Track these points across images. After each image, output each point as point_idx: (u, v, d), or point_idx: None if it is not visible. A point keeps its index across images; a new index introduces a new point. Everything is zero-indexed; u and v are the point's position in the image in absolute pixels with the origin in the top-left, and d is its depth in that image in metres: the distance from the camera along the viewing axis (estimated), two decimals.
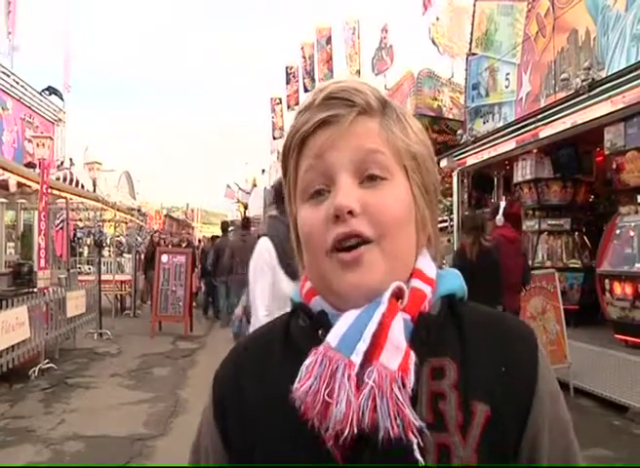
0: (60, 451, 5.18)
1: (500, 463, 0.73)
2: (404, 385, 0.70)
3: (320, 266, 0.79)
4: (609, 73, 7.31)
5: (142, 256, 15.34)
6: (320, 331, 0.79)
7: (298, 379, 0.72)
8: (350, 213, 0.76)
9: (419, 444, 0.69)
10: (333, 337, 0.74)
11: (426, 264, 0.84)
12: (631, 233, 6.87)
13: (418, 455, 0.69)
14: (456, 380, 0.75)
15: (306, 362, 0.73)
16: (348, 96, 0.79)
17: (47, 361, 8.16)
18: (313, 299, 0.84)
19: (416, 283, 0.80)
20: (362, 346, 0.71)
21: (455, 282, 0.85)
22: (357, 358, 0.71)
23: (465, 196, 11.54)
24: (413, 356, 0.72)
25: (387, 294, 0.75)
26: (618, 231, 7.15)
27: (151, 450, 5.24)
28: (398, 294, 0.77)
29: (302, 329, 0.84)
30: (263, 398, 0.81)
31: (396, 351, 0.72)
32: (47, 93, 16.95)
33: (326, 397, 0.69)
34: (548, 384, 0.79)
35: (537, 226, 9.32)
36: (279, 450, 0.77)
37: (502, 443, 0.74)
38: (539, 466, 0.77)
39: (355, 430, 0.69)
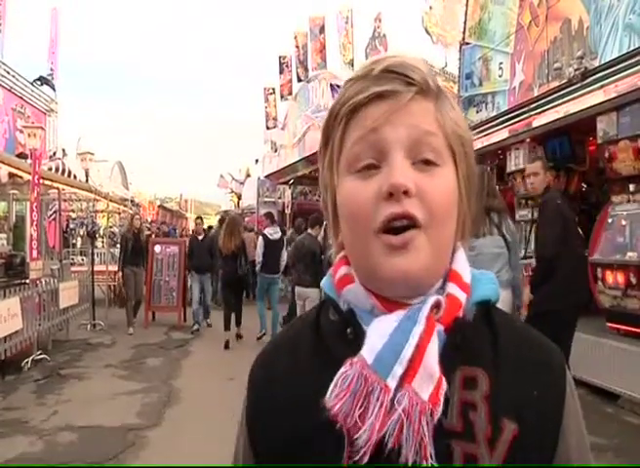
0: (54, 442, 5.19)
1: None
2: (432, 416, 0.69)
3: (366, 246, 0.76)
4: (601, 62, 7.30)
5: (121, 248, 11.56)
6: (349, 330, 0.78)
7: (331, 391, 0.71)
8: (405, 193, 0.73)
9: None
10: (368, 353, 0.72)
11: (463, 265, 0.82)
12: (623, 222, 6.89)
13: None
14: (487, 393, 0.74)
15: (342, 371, 0.72)
16: (408, 72, 0.76)
17: (40, 352, 8.15)
18: (346, 288, 0.82)
19: (452, 289, 0.79)
20: (399, 370, 0.70)
21: (490, 287, 0.84)
22: (393, 382, 0.70)
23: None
24: (444, 386, 0.71)
25: (426, 312, 0.74)
26: (610, 220, 7.16)
27: (145, 441, 5.25)
28: (435, 306, 0.76)
29: (332, 323, 0.83)
30: (293, 401, 0.80)
31: (429, 378, 0.70)
32: (38, 83, 16.83)
33: (358, 421, 0.69)
34: (575, 407, 0.80)
35: (529, 216, 9.32)
36: (298, 452, 0.77)
37: (526, 462, 0.73)
38: (542, 466, 0.77)
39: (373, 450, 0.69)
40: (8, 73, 14.45)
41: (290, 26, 21.40)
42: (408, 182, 0.73)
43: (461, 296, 0.78)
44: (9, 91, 14.68)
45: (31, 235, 9.05)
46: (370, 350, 0.72)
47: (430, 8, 13.98)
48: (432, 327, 0.73)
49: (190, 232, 18.71)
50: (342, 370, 0.72)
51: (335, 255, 0.88)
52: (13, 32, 14.76)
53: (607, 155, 7.19)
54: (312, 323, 0.86)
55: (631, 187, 6.91)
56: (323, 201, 0.87)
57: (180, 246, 12.27)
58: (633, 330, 6.51)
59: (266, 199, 21.93)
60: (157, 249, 11.98)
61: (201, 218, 13.42)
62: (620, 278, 6.66)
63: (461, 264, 0.82)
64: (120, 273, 11.95)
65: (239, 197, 33.15)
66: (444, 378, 0.71)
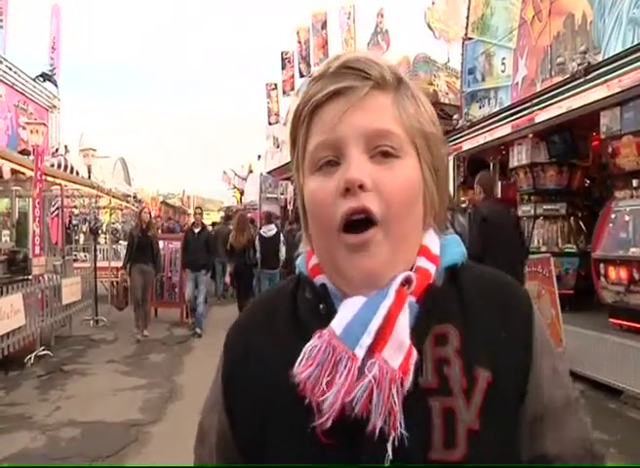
0: (56, 438, 5.20)
1: (501, 425, 0.75)
2: (402, 385, 0.70)
3: (328, 245, 0.79)
4: (605, 57, 7.27)
5: (128, 245, 10.77)
6: (321, 306, 0.80)
7: (299, 361, 0.73)
8: (361, 187, 0.74)
9: (393, 443, 0.70)
10: (337, 325, 0.74)
11: (431, 239, 0.84)
12: (626, 218, 6.87)
13: (389, 452, 0.70)
14: (459, 346, 0.76)
15: (309, 344, 0.74)
16: (364, 67, 0.78)
17: (42, 348, 8.17)
18: (318, 276, 0.84)
19: (421, 262, 0.80)
20: (367, 340, 0.72)
21: (456, 250, 0.85)
22: (361, 351, 0.72)
23: (461, 181, 11.53)
24: (414, 355, 0.72)
25: (395, 286, 0.75)
26: (613, 216, 7.15)
27: (147, 436, 5.26)
28: (406, 282, 0.77)
29: (308, 301, 0.84)
30: (268, 370, 0.81)
31: (399, 348, 0.72)
32: (41, 79, 16.81)
33: (324, 387, 0.71)
34: (543, 344, 0.81)
35: (532, 211, 9.31)
36: (274, 424, 0.79)
37: (503, 406, 0.75)
38: (540, 466, 0.79)
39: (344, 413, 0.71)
40: (10, 69, 14.42)
41: (292, 22, 21.36)
42: (363, 177, 0.74)
43: (431, 268, 0.80)
44: (11, 87, 14.65)
45: (34, 231, 9.06)
46: (339, 322, 0.74)
47: (433, 3, 13.94)
48: (403, 299, 0.75)
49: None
50: (311, 341, 0.74)
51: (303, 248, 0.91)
52: (14, 29, 14.68)
53: (610, 150, 7.18)
54: (288, 298, 0.88)
55: (634, 183, 6.89)
56: (299, 199, 0.88)
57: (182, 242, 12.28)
58: (636, 325, 6.50)
59: (269, 195, 21.93)
60: (160, 245, 11.98)
61: (201, 209, 12.31)
62: (623, 274, 6.65)
63: (430, 238, 0.84)
64: (122, 272, 10.81)
65: (241, 193, 33.19)
66: (414, 348, 0.72)
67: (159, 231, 15.63)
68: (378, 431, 0.69)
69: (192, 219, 13.67)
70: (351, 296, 0.77)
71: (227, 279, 11.53)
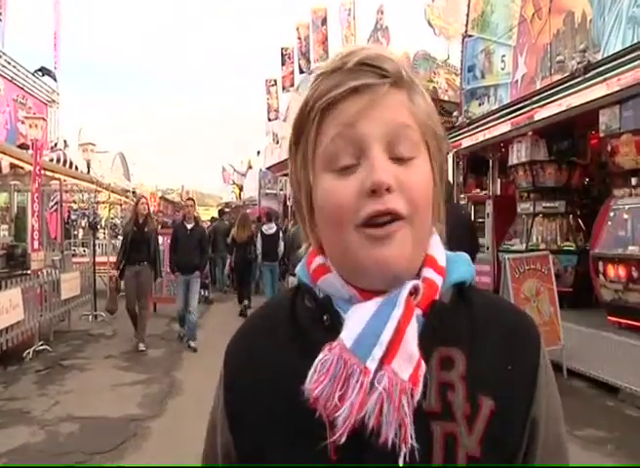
0: (55, 433, 5.21)
1: (503, 455, 0.74)
2: (412, 397, 0.70)
3: (344, 238, 0.76)
4: (604, 56, 7.28)
5: (122, 242, 9.37)
6: (325, 317, 0.78)
7: (310, 376, 0.71)
8: (388, 189, 0.73)
9: (405, 456, 0.69)
10: (347, 337, 0.73)
11: (438, 250, 0.83)
12: (625, 216, 6.89)
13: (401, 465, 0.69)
14: (464, 372, 0.75)
15: (320, 358, 0.72)
16: (381, 64, 0.76)
17: (41, 343, 8.18)
18: (323, 278, 0.82)
19: (428, 273, 0.79)
20: (378, 352, 0.71)
21: (465, 268, 0.85)
22: (373, 364, 0.70)
23: (461, 178, 11.53)
24: (424, 367, 0.71)
25: (404, 295, 0.74)
26: (612, 214, 7.16)
27: (146, 431, 5.27)
28: (414, 291, 0.76)
29: (308, 309, 0.83)
30: (271, 378, 0.80)
31: (409, 360, 0.71)
32: (40, 74, 16.78)
33: (337, 402, 0.69)
34: (547, 379, 0.81)
35: (531, 209, 9.33)
36: (278, 437, 0.77)
37: (505, 436, 0.74)
38: (539, 466, 0.78)
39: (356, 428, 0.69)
40: (9, 63, 14.41)
41: (292, 18, 21.33)
42: (390, 179, 0.73)
43: (438, 280, 0.79)
44: (10, 81, 14.65)
45: (33, 226, 9.05)
46: (349, 334, 0.73)
47: (433, 0, 13.93)
48: (411, 310, 0.74)
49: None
50: (321, 355, 0.72)
51: (305, 251, 0.89)
52: (14, 23, 14.68)
53: (609, 149, 7.19)
54: (288, 307, 0.86)
55: (633, 181, 6.91)
56: (295, 198, 0.87)
57: None
58: (634, 323, 6.52)
59: (268, 191, 21.94)
60: (159, 240, 11.97)
61: (193, 200, 10.39)
62: (622, 272, 6.66)
63: (436, 248, 0.83)
64: (113, 273, 9.44)
65: (241, 189, 33.17)
66: (423, 360, 0.72)
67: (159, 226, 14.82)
68: (390, 444, 0.69)
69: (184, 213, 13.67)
70: (360, 297, 0.77)
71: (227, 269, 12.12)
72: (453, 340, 0.77)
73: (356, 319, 0.74)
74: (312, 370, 0.71)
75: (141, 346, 8.50)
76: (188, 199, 10.55)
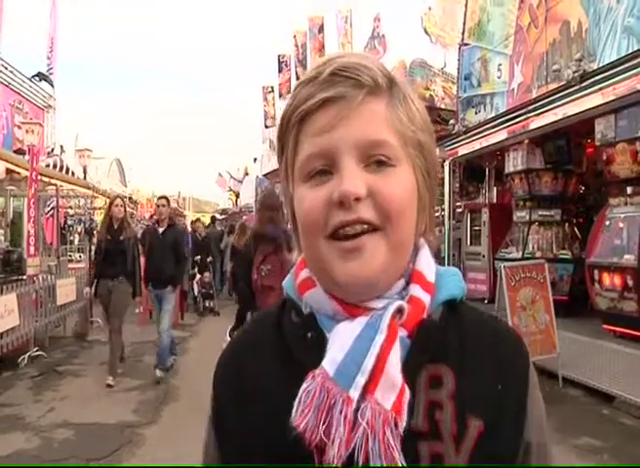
0: (50, 439, 5.18)
1: None
2: (396, 426, 0.69)
3: (318, 251, 0.76)
4: (600, 65, 7.32)
5: (94, 253, 8.27)
6: (309, 335, 0.78)
7: (295, 408, 0.70)
8: (357, 199, 0.72)
9: None
10: (329, 364, 0.71)
11: (426, 264, 0.82)
12: (620, 224, 6.92)
13: None
14: (453, 391, 0.74)
15: (303, 387, 0.71)
16: (356, 74, 0.74)
17: (36, 348, 8.14)
18: (308, 293, 0.81)
19: (415, 291, 0.78)
20: (361, 380, 0.70)
21: (455, 285, 0.83)
22: (355, 393, 0.69)
23: (457, 186, 11.56)
24: (407, 394, 0.71)
25: (387, 320, 0.73)
26: (607, 222, 7.19)
27: (141, 438, 5.25)
28: (398, 311, 0.75)
29: (294, 325, 0.82)
30: (254, 401, 0.80)
31: (392, 387, 0.70)
32: (37, 79, 16.77)
33: (323, 436, 0.69)
34: (536, 398, 0.80)
35: (527, 217, 9.36)
36: (262, 454, 0.77)
37: (494, 457, 0.74)
38: (537, 466, 0.78)
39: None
40: (6, 68, 14.38)
41: (289, 26, 21.39)
42: (358, 189, 0.72)
43: (425, 298, 0.78)
44: (6, 86, 14.62)
45: (29, 231, 9.05)
46: (331, 361, 0.72)
47: (430, 9, 14.00)
48: (394, 335, 0.73)
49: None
50: (305, 384, 0.71)
51: (295, 258, 0.89)
52: (10, 28, 14.66)
53: (605, 158, 7.22)
54: (274, 322, 0.86)
55: (629, 190, 6.94)
56: (289, 210, 0.86)
57: None
58: (629, 331, 6.55)
59: None
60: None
61: (167, 199, 8.17)
62: (617, 280, 6.69)
63: (424, 263, 0.81)
64: (88, 290, 7.95)
65: (237, 195, 33.16)
66: (407, 386, 0.71)
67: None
68: None
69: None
70: (343, 313, 0.77)
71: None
72: (442, 358, 0.76)
73: (338, 344, 0.73)
74: (297, 400, 0.71)
75: (109, 380, 6.88)
76: (161, 197, 8.24)
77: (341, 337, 0.74)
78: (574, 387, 6.64)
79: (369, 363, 0.70)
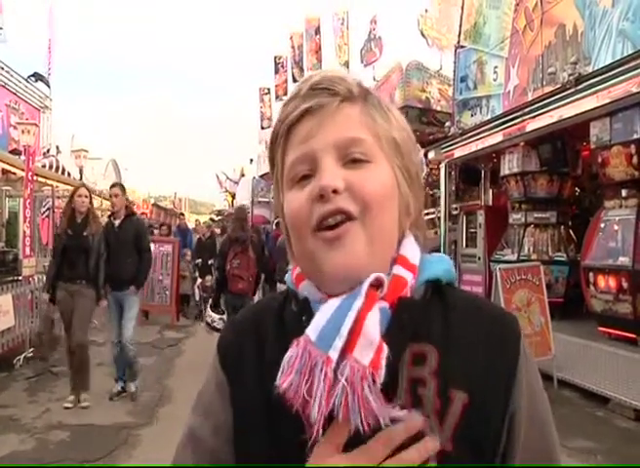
0: (45, 440, 5.18)
1: (477, 449, 0.75)
2: (374, 381, 0.71)
3: (305, 246, 0.81)
4: (595, 68, 7.34)
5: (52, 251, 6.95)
6: (304, 318, 0.81)
7: (280, 373, 0.75)
8: (335, 191, 0.78)
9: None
10: (312, 331, 0.75)
11: (411, 250, 0.85)
12: (616, 227, 6.94)
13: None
14: (436, 368, 0.77)
15: (288, 354, 0.75)
16: (331, 85, 0.82)
17: (32, 349, 8.12)
18: (301, 284, 0.86)
19: (397, 270, 0.81)
20: (339, 342, 0.73)
21: (440, 267, 0.87)
22: (334, 354, 0.72)
23: (453, 188, 11.58)
24: (385, 350, 0.73)
25: (365, 286, 0.76)
26: (602, 225, 7.21)
27: (137, 439, 5.26)
28: (377, 284, 0.78)
29: (293, 313, 0.86)
30: (258, 380, 0.83)
31: (370, 345, 0.73)
32: (33, 79, 16.74)
33: (305, 395, 0.72)
34: (528, 378, 0.81)
35: (523, 219, 9.37)
36: (261, 426, 0.82)
37: (480, 431, 0.76)
38: (535, 466, 0.79)
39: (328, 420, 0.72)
40: (2, 69, 14.36)
41: (286, 27, 21.42)
42: (336, 182, 0.78)
43: (407, 276, 0.82)
44: (3, 86, 14.59)
45: (24, 232, 9.04)
46: (314, 328, 0.76)
47: (426, 11, 14.00)
48: (373, 300, 0.76)
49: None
50: (289, 351, 0.75)
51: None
52: (8, 28, 14.59)
53: (600, 160, 7.25)
54: (277, 311, 0.91)
55: (624, 193, 6.96)
56: (281, 218, 0.90)
57: (173, 244, 12.29)
58: (624, 334, 6.56)
59: (261, 199, 21.88)
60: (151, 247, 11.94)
61: (122, 187, 6.94)
62: (612, 283, 6.71)
63: (409, 249, 0.85)
64: (45, 296, 6.66)
65: (233, 196, 33.10)
66: (385, 345, 0.73)
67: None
68: (362, 431, 0.71)
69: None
70: (333, 298, 0.79)
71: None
72: (425, 337, 0.79)
73: (321, 313, 0.77)
74: (282, 365, 0.75)
75: (84, 402, 6.06)
76: (113, 186, 7.07)
77: (325, 308, 0.78)
78: (569, 389, 6.67)
79: (347, 325, 0.74)
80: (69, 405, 6.01)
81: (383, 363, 0.72)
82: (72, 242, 6.15)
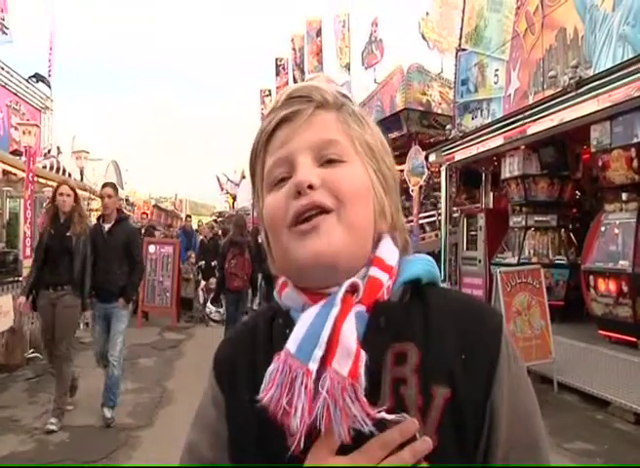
0: (45, 441, 5.18)
1: (461, 442, 0.76)
2: (355, 392, 0.72)
3: (281, 242, 0.82)
4: (596, 72, 7.35)
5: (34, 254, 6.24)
6: (287, 331, 0.81)
7: (262, 387, 0.76)
8: (310, 187, 0.79)
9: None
10: (292, 343, 0.76)
11: (387, 251, 0.85)
12: (616, 230, 6.94)
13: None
14: (417, 365, 0.78)
15: (270, 368, 0.76)
16: (307, 93, 0.85)
17: (32, 350, 8.12)
18: (283, 292, 0.87)
19: (373, 271, 0.82)
20: (318, 353, 0.74)
21: (420, 267, 0.87)
22: (314, 365, 0.73)
23: (453, 191, 11.58)
24: (363, 357, 0.74)
25: (340, 295, 0.77)
26: (603, 228, 7.21)
27: (137, 440, 5.26)
28: (353, 290, 0.79)
29: (279, 326, 0.87)
30: (250, 393, 0.82)
31: (347, 355, 0.73)
32: (34, 80, 16.74)
33: (285, 406, 0.73)
34: (511, 370, 0.81)
35: (523, 222, 9.37)
36: (250, 441, 0.83)
37: (463, 425, 0.76)
38: (533, 466, 0.80)
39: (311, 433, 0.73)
40: (2, 69, 14.36)
41: (287, 29, 21.46)
42: (311, 177, 0.80)
43: (383, 277, 0.82)
44: (3, 87, 14.58)
45: (25, 233, 9.03)
46: (293, 340, 0.77)
47: (427, 14, 14.03)
48: (348, 307, 0.77)
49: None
50: (271, 366, 0.76)
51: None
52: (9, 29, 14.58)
53: (600, 164, 7.25)
54: (268, 325, 0.91)
55: (624, 196, 6.96)
56: (262, 227, 0.92)
57: (173, 246, 12.28)
58: (624, 337, 6.56)
59: None
60: (151, 249, 11.96)
61: (114, 187, 6.24)
62: (613, 286, 6.70)
63: (385, 250, 0.85)
64: (23, 301, 5.68)
65: (234, 198, 33.14)
66: (363, 352, 0.74)
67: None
68: (346, 441, 0.72)
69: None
70: (310, 303, 0.81)
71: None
72: (406, 336, 0.80)
73: (300, 324, 0.78)
74: (264, 379, 0.76)
75: (51, 424, 5.40)
76: (105, 185, 6.26)
77: (303, 318, 0.79)
78: (569, 392, 6.67)
79: (324, 335, 0.74)
80: (52, 427, 5.38)
81: (362, 371, 0.73)
82: (54, 242, 5.58)
